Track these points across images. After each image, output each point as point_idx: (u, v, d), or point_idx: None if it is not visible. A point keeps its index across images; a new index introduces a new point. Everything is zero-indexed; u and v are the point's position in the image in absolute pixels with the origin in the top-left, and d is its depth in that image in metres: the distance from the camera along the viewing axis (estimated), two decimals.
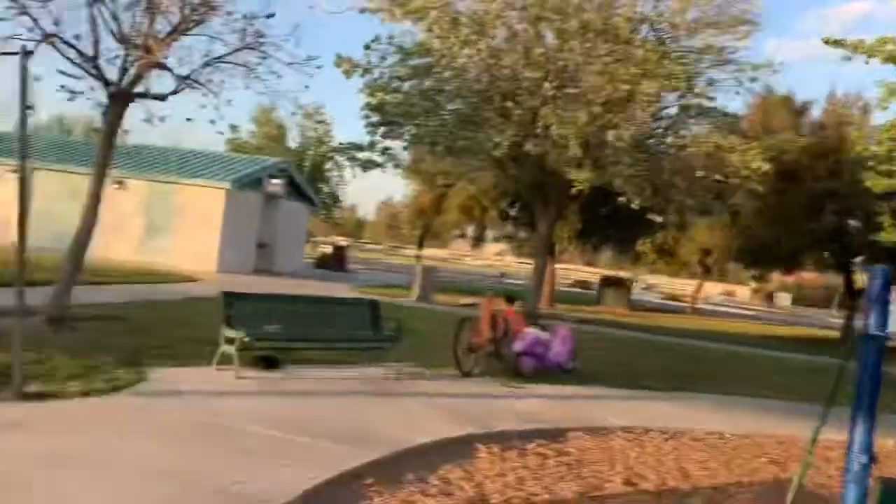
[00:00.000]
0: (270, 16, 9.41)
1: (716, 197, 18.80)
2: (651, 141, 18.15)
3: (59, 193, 19.44)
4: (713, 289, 57.63)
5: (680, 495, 4.81)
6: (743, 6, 16.45)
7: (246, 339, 6.93)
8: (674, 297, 45.03)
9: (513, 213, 29.13)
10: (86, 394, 5.64)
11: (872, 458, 4.10)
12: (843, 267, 23.91)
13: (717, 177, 16.83)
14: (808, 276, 48.37)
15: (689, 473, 5.45)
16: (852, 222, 21.92)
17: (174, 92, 9.39)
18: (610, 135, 15.20)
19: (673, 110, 18.36)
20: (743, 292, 67.16)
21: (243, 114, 58.05)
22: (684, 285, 47.91)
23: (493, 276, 44.46)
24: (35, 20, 8.25)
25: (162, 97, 9.36)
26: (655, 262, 42.42)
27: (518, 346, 9.05)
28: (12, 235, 5.77)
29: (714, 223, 28.36)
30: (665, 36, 16.78)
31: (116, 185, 18.95)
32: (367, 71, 16.89)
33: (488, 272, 50.27)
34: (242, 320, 7.15)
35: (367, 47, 16.87)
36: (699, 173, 16.78)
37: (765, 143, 18.79)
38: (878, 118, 23.65)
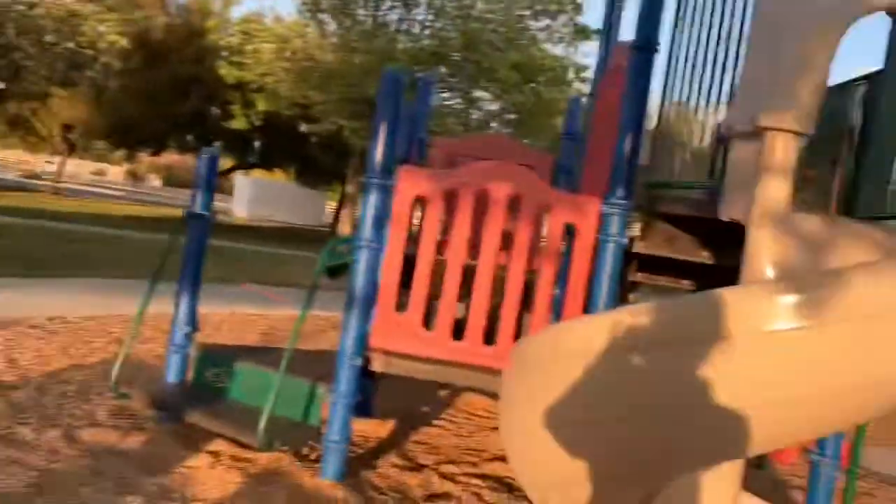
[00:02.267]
0: None
1: (73, 67, 17.50)
2: None
3: None
4: (83, 167, 54.81)
5: (5, 388, 4.44)
6: None
7: None
8: (34, 176, 41.34)
9: None
10: None
11: (195, 327, 4.45)
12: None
13: (71, 45, 15.59)
14: (178, 157, 50.12)
15: (19, 363, 5.09)
16: (213, 109, 23.31)
17: None
18: None
19: None
20: (115, 172, 65.88)
21: None
22: (47, 162, 44.34)
23: None
24: None
25: None
26: (7, 135, 37.90)
27: None
28: None
29: (78, 96, 26.62)
30: None
31: None
32: None
33: None
34: None
35: None
36: (49, 38, 15.27)
37: (123, 17, 18.13)
38: (235, 11, 25.22)
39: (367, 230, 3.80)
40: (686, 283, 4.45)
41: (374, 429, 4.82)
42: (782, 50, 2.47)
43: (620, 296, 4.45)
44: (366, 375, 3.98)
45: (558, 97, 14.91)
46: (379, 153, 3.82)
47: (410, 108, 5.88)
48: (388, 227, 3.79)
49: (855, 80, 4.06)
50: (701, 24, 3.55)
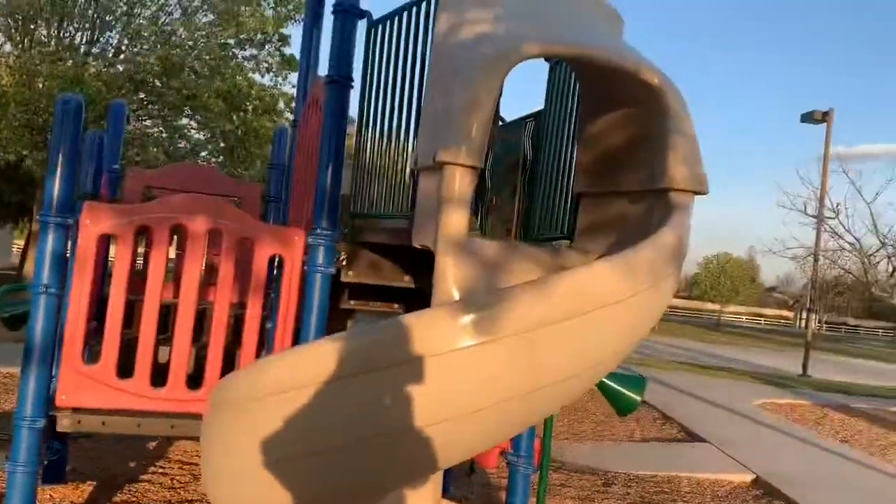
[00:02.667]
0: None
1: None
2: None
3: None
4: None
5: None
6: None
7: None
8: None
9: None
10: None
11: None
12: None
13: None
14: None
15: None
16: None
17: None
18: None
19: None
20: None
21: None
22: None
23: None
24: None
25: None
26: None
27: None
28: None
29: None
30: None
31: None
32: None
33: None
34: None
35: None
36: None
37: None
38: None
39: (45, 274, 3.40)
40: (397, 307, 4.64)
41: (67, 495, 4.31)
42: (454, 91, 2.69)
43: (336, 324, 4.51)
44: (55, 437, 3.55)
45: (268, 126, 14.76)
46: (56, 188, 3.46)
47: (101, 136, 5.42)
48: (72, 270, 3.43)
49: (525, 117, 4.58)
50: (391, 61, 3.73)
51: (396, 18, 3.63)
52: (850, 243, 18.51)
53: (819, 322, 48.41)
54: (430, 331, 2.06)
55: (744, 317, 70.83)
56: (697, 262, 58.46)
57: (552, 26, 2.84)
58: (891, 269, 18.31)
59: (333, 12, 3.95)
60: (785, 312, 74.13)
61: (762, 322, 70.71)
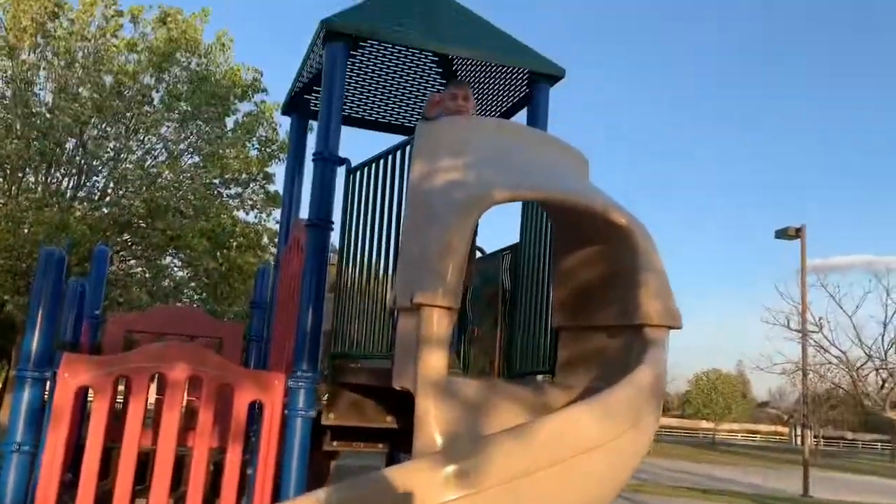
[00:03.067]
0: None
1: None
2: None
3: None
4: None
5: None
6: None
7: None
8: None
9: None
10: None
11: None
12: None
13: None
14: None
15: None
16: None
17: None
18: None
19: None
20: None
21: None
22: None
23: None
24: None
25: None
26: None
27: None
28: None
29: None
30: None
31: None
32: None
33: None
34: None
35: None
36: None
37: None
38: None
39: (20, 431, 3.33)
40: (381, 447, 4.53)
41: None
42: (429, 234, 2.78)
43: (319, 466, 4.38)
44: None
45: (252, 262, 14.91)
46: (35, 341, 3.45)
47: (82, 285, 5.46)
48: (48, 427, 3.36)
49: (503, 249, 4.69)
50: (369, 205, 3.86)
51: (374, 165, 3.78)
52: (836, 357, 18.52)
53: (815, 437, 47.58)
54: (414, 485, 2.02)
55: (739, 434, 69.51)
56: (688, 380, 58.04)
57: (520, 172, 2.98)
58: (880, 381, 18.25)
59: (314, 160, 4.12)
60: (780, 428, 72.91)
61: (758, 438, 69.36)
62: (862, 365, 18.14)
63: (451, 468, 2.03)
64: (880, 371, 17.93)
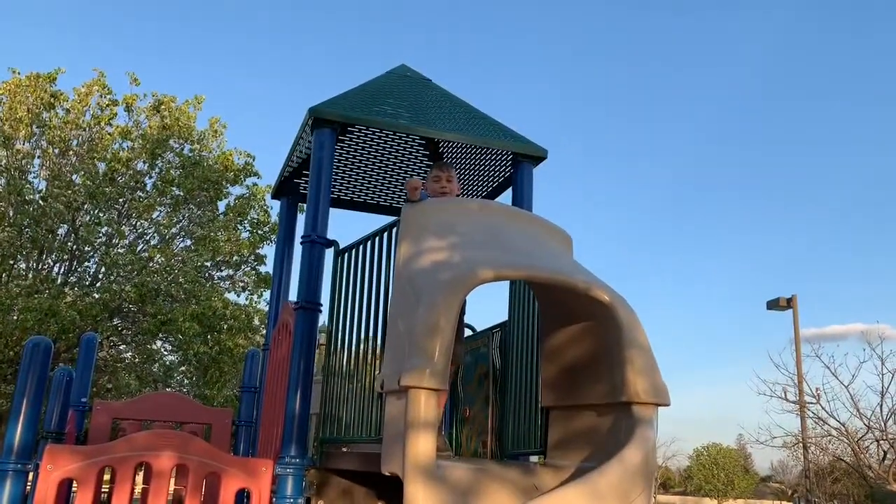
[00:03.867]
0: None
1: None
2: None
3: None
4: None
5: None
6: None
7: None
8: None
9: None
10: None
11: None
12: None
13: None
14: None
15: None
16: None
17: None
18: None
19: None
20: None
21: None
22: None
23: None
24: None
25: None
26: None
27: None
28: None
29: None
30: None
31: None
32: None
33: None
34: None
35: None
36: None
37: None
38: None
39: None
40: None
41: None
42: (416, 315, 2.79)
43: None
44: None
45: (243, 344, 14.78)
46: (18, 433, 3.39)
47: (69, 373, 5.41)
48: None
49: (492, 327, 4.69)
50: (357, 286, 3.87)
51: (361, 247, 3.83)
52: (835, 428, 18.26)
53: None
54: None
55: None
56: (689, 456, 56.88)
57: (505, 251, 3.02)
58: (882, 453, 17.96)
59: (302, 242, 4.17)
60: (784, 503, 71.12)
61: None
62: (863, 436, 17.87)
63: None
64: (881, 442, 17.66)
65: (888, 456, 17.49)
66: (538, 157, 4.68)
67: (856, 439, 17.74)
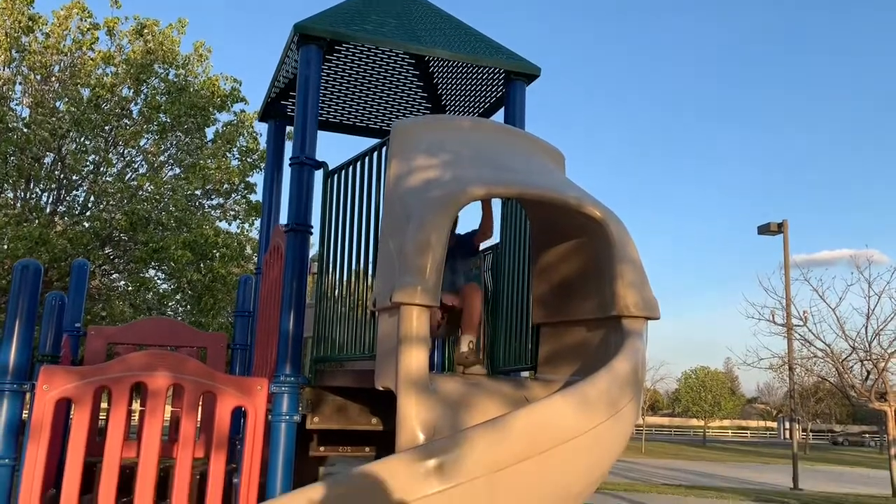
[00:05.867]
0: None
1: None
2: None
3: None
4: None
5: None
6: None
7: None
8: None
9: None
10: None
11: None
12: None
13: None
14: None
15: None
16: None
17: None
18: None
19: None
20: None
21: None
22: None
23: None
24: None
25: None
26: None
27: None
28: None
29: None
30: None
31: None
32: None
33: None
34: None
35: None
36: None
37: None
38: None
39: None
40: (368, 450, 4.51)
41: None
42: (407, 233, 2.78)
43: (307, 474, 4.35)
44: None
45: (236, 272, 14.81)
46: (12, 354, 3.41)
47: (61, 298, 5.40)
48: (28, 438, 3.32)
49: (483, 250, 4.69)
50: (347, 207, 3.84)
51: (351, 168, 3.78)
52: (821, 350, 18.65)
53: (804, 431, 47.84)
54: (394, 480, 2.01)
55: (729, 431, 69.87)
56: (677, 379, 58.22)
57: (496, 169, 2.98)
58: (865, 373, 18.40)
59: (291, 164, 4.11)
60: (769, 423, 73.36)
61: (748, 434, 69.73)
62: (847, 357, 18.28)
63: (431, 462, 2.02)
64: (865, 363, 18.07)
65: (871, 376, 17.93)
66: (531, 74, 4.59)
67: (840, 360, 18.14)
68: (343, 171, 3.85)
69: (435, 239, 2.69)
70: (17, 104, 15.25)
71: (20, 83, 15.18)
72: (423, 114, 5.65)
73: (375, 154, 3.54)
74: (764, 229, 22.01)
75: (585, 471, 2.30)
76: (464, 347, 3.36)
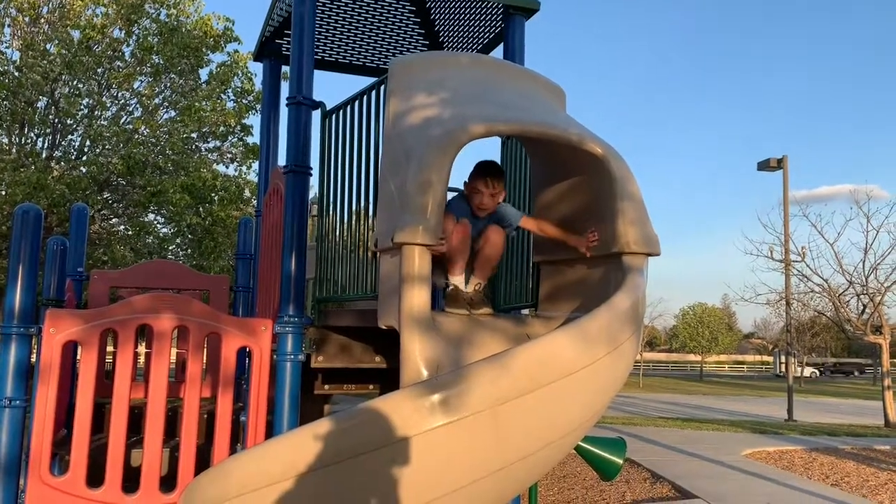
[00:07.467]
0: None
1: None
2: None
3: None
4: None
5: None
6: None
7: None
8: None
9: None
10: None
11: None
12: None
13: None
14: None
15: None
16: None
17: None
18: None
19: None
20: None
21: None
22: None
23: None
24: None
25: None
26: None
27: None
28: None
29: None
30: None
31: None
32: None
33: None
34: None
35: None
36: None
37: None
38: None
39: (9, 387, 3.34)
40: (372, 388, 4.59)
41: None
42: (407, 173, 2.77)
43: (312, 411, 4.44)
44: None
45: (235, 215, 14.81)
46: (17, 297, 3.44)
47: (63, 242, 5.42)
48: (37, 380, 3.38)
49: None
50: (346, 147, 3.81)
51: (349, 107, 3.73)
52: (818, 285, 18.79)
53: (800, 365, 48.60)
54: (399, 414, 2.06)
55: (726, 366, 71.01)
56: (675, 315, 58.85)
57: (496, 106, 2.95)
58: (861, 307, 18.59)
59: (288, 104, 4.06)
60: (766, 358, 74.46)
61: (744, 369, 70.89)
62: (843, 291, 18.43)
63: (435, 396, 2.07)
64: (861, 297, 18.24)
65: (867, 310, 18.13)
66: (530, 9, 4.49)
67: (837, 294, 18.31)
68: (341, 111, 3.81)
69: (436, 178, 2.68)
70: (6, 47, 15.00)
71: (8, 25, 14.90)
72: (421, 51, 5.56)
73: (374, 92, 3.49)
74: (763, 165, 21.89)
75: (586, 404, 2.35)
76: (469, 289, 3.37)
